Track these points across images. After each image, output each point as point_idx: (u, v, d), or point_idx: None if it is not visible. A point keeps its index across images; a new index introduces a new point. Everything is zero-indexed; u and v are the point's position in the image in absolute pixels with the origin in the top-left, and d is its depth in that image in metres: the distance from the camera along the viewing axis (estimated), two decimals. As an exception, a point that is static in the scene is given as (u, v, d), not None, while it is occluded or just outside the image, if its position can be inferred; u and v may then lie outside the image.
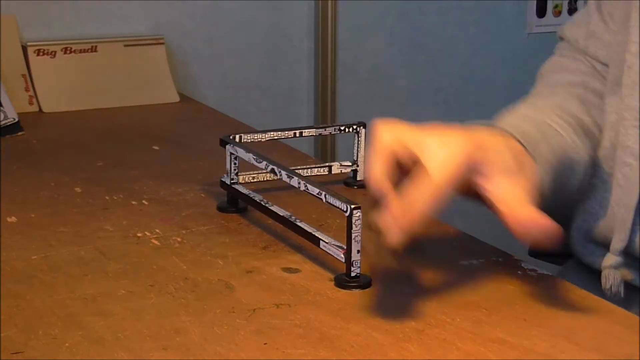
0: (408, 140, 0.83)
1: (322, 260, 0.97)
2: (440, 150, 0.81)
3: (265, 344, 0.81)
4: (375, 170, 0.84)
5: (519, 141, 0.91)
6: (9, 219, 1.09)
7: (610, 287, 1.01)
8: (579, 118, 1.04)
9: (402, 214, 0.80)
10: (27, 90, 1.61)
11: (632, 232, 1.00)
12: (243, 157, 1.09)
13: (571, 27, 1.21)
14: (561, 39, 1.24)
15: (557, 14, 2.23)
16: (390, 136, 0.84)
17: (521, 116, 0.98)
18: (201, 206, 1.14)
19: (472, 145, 0.83)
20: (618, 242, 1.01)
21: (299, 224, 1.00)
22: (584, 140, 1.02)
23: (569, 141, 0.99)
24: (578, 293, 0.92)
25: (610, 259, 1.02)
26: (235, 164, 1.11)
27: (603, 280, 1.03)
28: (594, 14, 1.15)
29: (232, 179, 1.12)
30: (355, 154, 1.20)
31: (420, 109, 2.13)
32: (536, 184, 0.87)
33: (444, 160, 0.81)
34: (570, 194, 1.00)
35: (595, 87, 1.10)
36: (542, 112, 1.01)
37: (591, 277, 1.05)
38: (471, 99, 2.19)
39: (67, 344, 0.81)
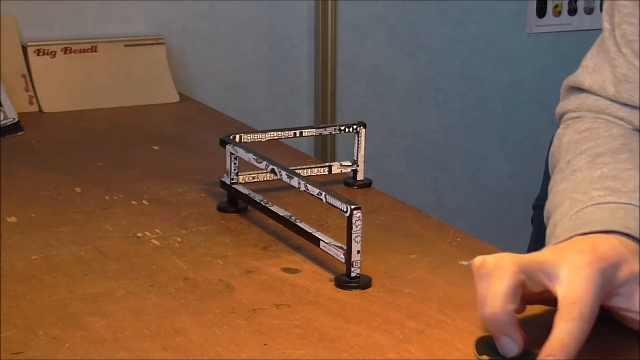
0: (535, 270, 0.79)
1: (322, 261, 0.97)
2: (576, 279, 0.77)
3: (265, 344, 0.81)
4: (504, 303, 0.77)
5: (628, 235, 0.84)
6: (9, 219, 1.09)
7: None
8: None
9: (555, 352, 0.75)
10: (27, 90, 1.61)
11: None
12: (243, 157, 1.09)
13: (587, 74, 1.06)
14: (575, 90, 1.09)
15: (557, 14, 2.23)
16: (513, 267, 0.78)
17: (612, 207, 0.88)
18: (201, 206, 1.14)
19: (602, 266, 0.78)
20: None
21: (299, 224, 1.00)
22: None
23: None
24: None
25: None
26: (235, 164, 1.11)
27: None
28: (615, 53, 1.02)
29: (232, 179, 1.12)
30: (355, 154, 1.20)
31: (420, 109, 2.14)
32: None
33: (583, 290, 0.77)
34: None
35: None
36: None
37: None
38: (471, 99, 2.19)
39: (67, 344, 0.81)
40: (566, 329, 0.75)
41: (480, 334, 0.83)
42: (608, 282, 0.78)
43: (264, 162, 1.06)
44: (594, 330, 0.77)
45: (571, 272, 0.77)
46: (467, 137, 2.21)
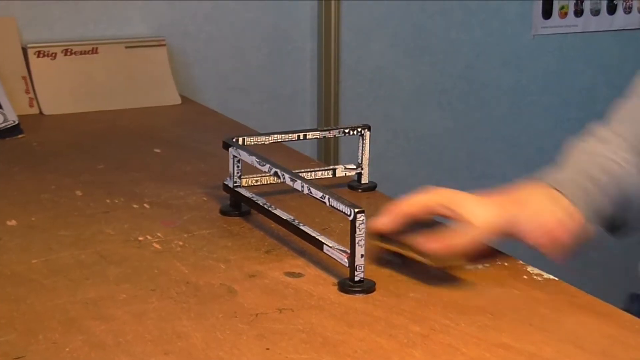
0: (449, 201, 1.00)
1: (326, 265, 0.97)
2: (480, 210, 0.99)
3: (267, 349, 0.81)
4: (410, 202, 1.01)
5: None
6: (9, 222, 1.09)
7: None
8: None
9: (444, 244, 0.95)
10: (27, 92, 1.61)
11: None
12: (246, 160, 1.09)
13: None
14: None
15: (563, 15, 2.23)
16: (427, 197, 1.01)
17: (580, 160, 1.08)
18: (203, 209, 1.14)
19: (507, 207, 1.00)
20: None
21: (302, 227, 1.00)
22: None
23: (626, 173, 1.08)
24: (584, 298, 0.92)
25: None
26: (238, 166, 1.11)
27: None
28: None
29: (235, 182, 1.12)
30: (359, 157, 1.20)
31: (425, 111, 2.14)
32: (582, 223, 1.02)
33: (484, 218, 0.98)
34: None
35: None
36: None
37: None
38: (475, 101, 2.19)
39: (67, 349, 0.81)
40: (457, 236, 0.96)
41: (485, 338, 0.83)
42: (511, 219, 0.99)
43: (267, 165, 1.06)
44: (600, 330, 0.77)
45: (478, 205, 1.00)
46: (472, 139, 2.21)
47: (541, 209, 1.02)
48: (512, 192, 1.03)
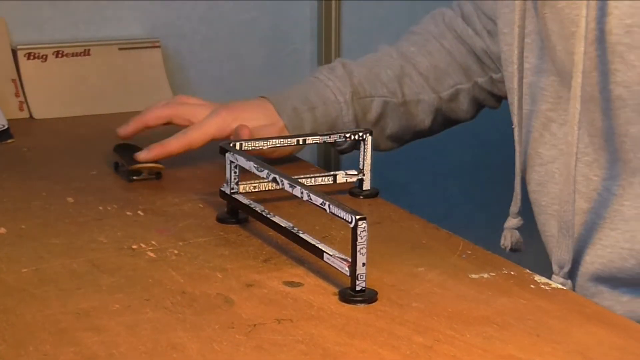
0: (186, 113, 1.33)
1: (326, 274, 0.98)
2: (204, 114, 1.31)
3: (266, 360, 0.81)
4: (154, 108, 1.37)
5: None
6: (-2, 230, 1.09)
7: (510, 245, 1.23)
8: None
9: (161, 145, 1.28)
10: (17, 95, 1.62)
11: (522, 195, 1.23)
12: (243, 166, 1.10)
13: None
14: None
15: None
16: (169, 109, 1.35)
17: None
18: (199, 217, 1.14)
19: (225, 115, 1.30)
20: (514, 206, 1.24)
21: (301, 235, 1.00)
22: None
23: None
24: (592, 308, 0.93)
25: (510, 222, 1.24)
26: (235, 172, 1.12)
27: (503, 241, 1.24)
28: None
29: (232, 189, 1.12)
30: (361, 163, 1.21)
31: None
32: (282, 128, 1.32)
33: (203, 122, 1.30)
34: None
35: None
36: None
37: None
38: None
39: (59, 361, 0.81)
40: (175, 138, 1.28)
41: (491, 349, 0.83)
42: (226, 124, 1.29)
43: (265, 171, 1.06)
44: (609, 341, 0.77)
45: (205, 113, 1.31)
46: (477, 144, 2.21)
47: (252, 115, 1.31)
48: (237, 102, 1.34)
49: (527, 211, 1.27)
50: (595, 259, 1.13)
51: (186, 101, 1.36)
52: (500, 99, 1.46)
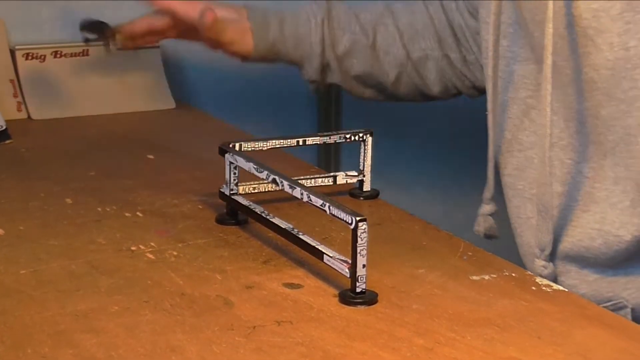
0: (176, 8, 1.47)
1: (326, 275, 0.98)
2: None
3: (265, 363, 0.81)
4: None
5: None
6: (-4, 232, 1.09)
7: (484, 230, 1.27)
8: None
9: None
10: (15, 96, 1.62)
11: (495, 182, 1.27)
12: (243, 167, 1.10)
13: None
14: None
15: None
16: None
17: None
18: (199, 218, 1.14)
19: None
20: (487, 192, 1.29)
21: (301, 237, 1.00)
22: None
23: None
24: (594, 310, 0.93)
25: (484, 208, 1.28)
26: (234, 173, 1.12)
27: (476, 226, 1.28)
28: None
29: (232, 190, 1.12)
30: (361, 163, 1.21)
31: (427, 114, 2.13)
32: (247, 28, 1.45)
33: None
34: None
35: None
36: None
37: None
38: (482, 106, 2.19)
39: (57, 363, 0.81)
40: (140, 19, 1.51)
41: (492, 351, 0.83)
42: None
43: (265, 172, 1.06)
44: (610, 343, 0.77)
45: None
46: (479, 145, 2.21)
47: (223, 10, 1.43)
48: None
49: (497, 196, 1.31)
50: (565, 239, 1.16)
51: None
52: (474, 86, 1.49)
